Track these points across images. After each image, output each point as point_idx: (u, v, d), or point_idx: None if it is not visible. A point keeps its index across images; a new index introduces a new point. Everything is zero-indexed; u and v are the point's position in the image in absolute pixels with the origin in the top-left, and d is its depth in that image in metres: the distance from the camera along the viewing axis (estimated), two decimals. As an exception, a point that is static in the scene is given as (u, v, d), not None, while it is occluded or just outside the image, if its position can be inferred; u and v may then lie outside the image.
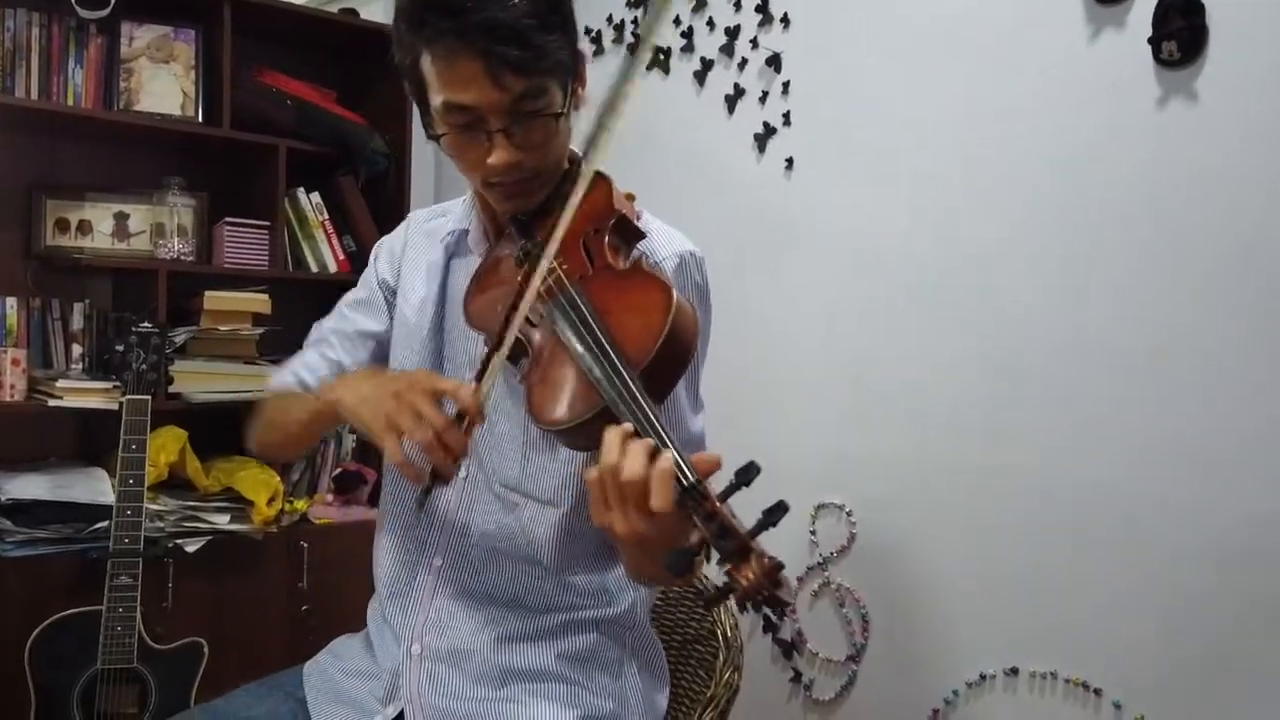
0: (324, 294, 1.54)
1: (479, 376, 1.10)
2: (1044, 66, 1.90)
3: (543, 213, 1.18)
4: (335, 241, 2.88)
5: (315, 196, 2.86)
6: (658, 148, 2.58)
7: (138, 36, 2.68)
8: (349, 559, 2.50)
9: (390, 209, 2.91)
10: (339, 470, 2.80)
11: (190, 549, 2.44)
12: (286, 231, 2.81)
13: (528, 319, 1.07)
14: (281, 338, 2.75)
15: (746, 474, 0.84)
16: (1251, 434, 1.65)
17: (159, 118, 2.66)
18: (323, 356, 1.43)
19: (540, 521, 1.25)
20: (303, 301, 2.84)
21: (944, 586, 2.05)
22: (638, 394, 0.92)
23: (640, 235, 1.17)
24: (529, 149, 1.15)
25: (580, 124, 1.15)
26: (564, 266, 1.07)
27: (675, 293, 1.01)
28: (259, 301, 2.72)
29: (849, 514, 2.22)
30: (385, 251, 1.46)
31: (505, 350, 1.07)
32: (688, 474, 0.86)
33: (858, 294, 2.19)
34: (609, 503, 0.91)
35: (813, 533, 2.27)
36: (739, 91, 2.43)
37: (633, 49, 1.00)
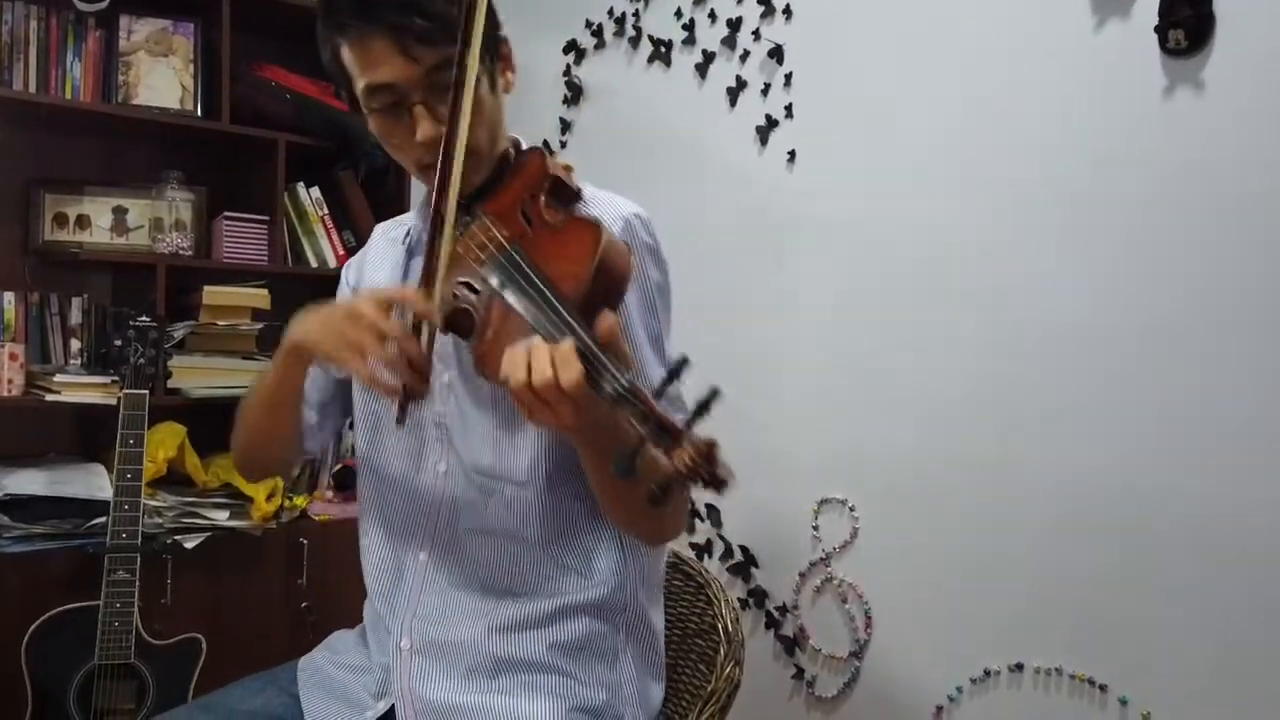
0: (324, 288, 1.54)
1: (425, 283, 1.11)
2: (1048, 56, 1.89)
3: (484, 192, 1.20)
4: (335, 236, 2.88)
5: (315, 191, 2.86)
6: (659, 141, 2.58)
7: (136, 30, 2.68)
8: (349, 556, 2.37)
9: (390, 203, 2.90)
10: (339, 466, 2.78)
11: (189, 545, 2.43)
12: (286, 226, 2.80)
13: (472, 288, 1.08)
14: (281, 333, 2.72)
15: (677, 368, 0.88)
16: (1262, 427, 1.64)
17: (157, 111, 2.65)
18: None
19: (519, 502, 1.25)
20: (302, 296, 2.72)
21: (948, 582, 2.03)
22: (574, 323, 0.95)
23: (576, 194, 1.19)
24: None
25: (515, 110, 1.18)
26: (504, 233, 1.09)
27: (604, 228, 1.04)
28: (258, 296, 2.71)
29: (852, 509, 2.20)
30: (352, 270, 1.49)
31: (445, 257, 1.10)
32: (618, 377, 0.88)
33: (860, 287, 2.18)
34: (533, 405, 0.94)
35: (815, 528, 2.26)
36: (741, 84, 2.42)
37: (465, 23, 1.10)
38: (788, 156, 2.33)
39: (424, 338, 1.11)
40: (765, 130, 2.37)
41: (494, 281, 1.06)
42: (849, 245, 2.21)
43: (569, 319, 0.96)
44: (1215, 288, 1.69)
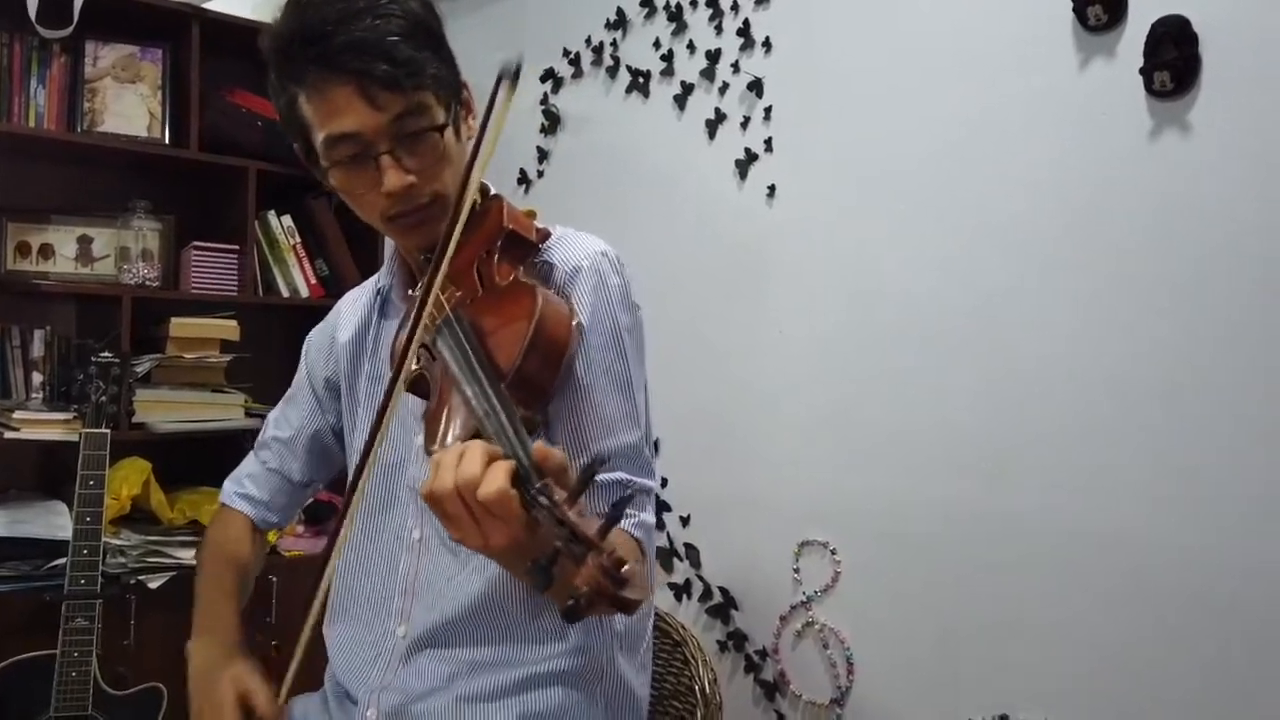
0: (295, 319, 1.54)
1: (351, 488, 1.09)
2: (1033, 96, 1.87)
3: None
4: (307, 265, 2.84)
5: (286, 219, 2.82)
6: (635, 173, 2.56)
7: (102, 56, 2.63)
8: None
9: (364, 232, 2.82)
10: (310, 500, 2.71)
11: (153, 585, 2.37)
12: (256, 255, 2.76)
13: (429, 352, 1.06)
14: (251, 365, 2.70)
15: (587, 472, 0.80)
16: (1256, 472, 1.62)
17: (124, 139, 2.62)
18: (264, 466, 1.48)
19: (497, 571, 1.22)
20: (273, 327, 2.82)
21: (931, 628, 2.00)
22: (498, 405, 0.90)
23: (533, 248, 1.16)
24: (420, 170, 1.13)
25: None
26: (456, 294, 1.07)
27: (541, 295, 1.01)
28: (227, 328, 2.66)
29: (833, 551, 2.17)
30: (314, 345, 1.48)
31: (385, 434, 1.06)
32: (531, 480, 0.82)
33: (843, 326, 2.16)
34: (447, 514, 0.87)
35: (796, 570, 2.23)
36: (720, 116, 2.40)
37: (513, 78, 1.02)
38: (767, 191, 2.31)
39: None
40: (745, 164, 2.35)
41: (439, 346, 1.04)
42: (831, 283, 2.19)
43: (496, 402, 0.91)
44: (1203, 332, 1.68)
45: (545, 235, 1.21)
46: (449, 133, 1.15)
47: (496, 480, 0.83)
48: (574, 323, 1.04)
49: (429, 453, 0.96)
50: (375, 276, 1.43)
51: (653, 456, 1.24)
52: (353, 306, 1.43)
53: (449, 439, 0.96)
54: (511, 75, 1.00)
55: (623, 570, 0.75)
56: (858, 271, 2.14)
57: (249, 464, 1.52)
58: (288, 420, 1.49)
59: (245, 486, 1.49)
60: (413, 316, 1.05)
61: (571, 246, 1.21)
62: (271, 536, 2.49)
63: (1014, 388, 1.90)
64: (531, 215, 1.19)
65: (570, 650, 1.24)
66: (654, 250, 2.42)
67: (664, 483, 2.45)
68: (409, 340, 1.04)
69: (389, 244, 2.81)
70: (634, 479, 1.15)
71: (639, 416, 1.22)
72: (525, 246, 1.15)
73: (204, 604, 1.37)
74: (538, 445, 0.86)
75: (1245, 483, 1.63)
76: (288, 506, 1.51)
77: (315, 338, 1.48)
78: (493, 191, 1.24)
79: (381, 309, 1.35)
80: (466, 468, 0.84)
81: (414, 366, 1.07)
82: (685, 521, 2.42)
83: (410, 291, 1.21)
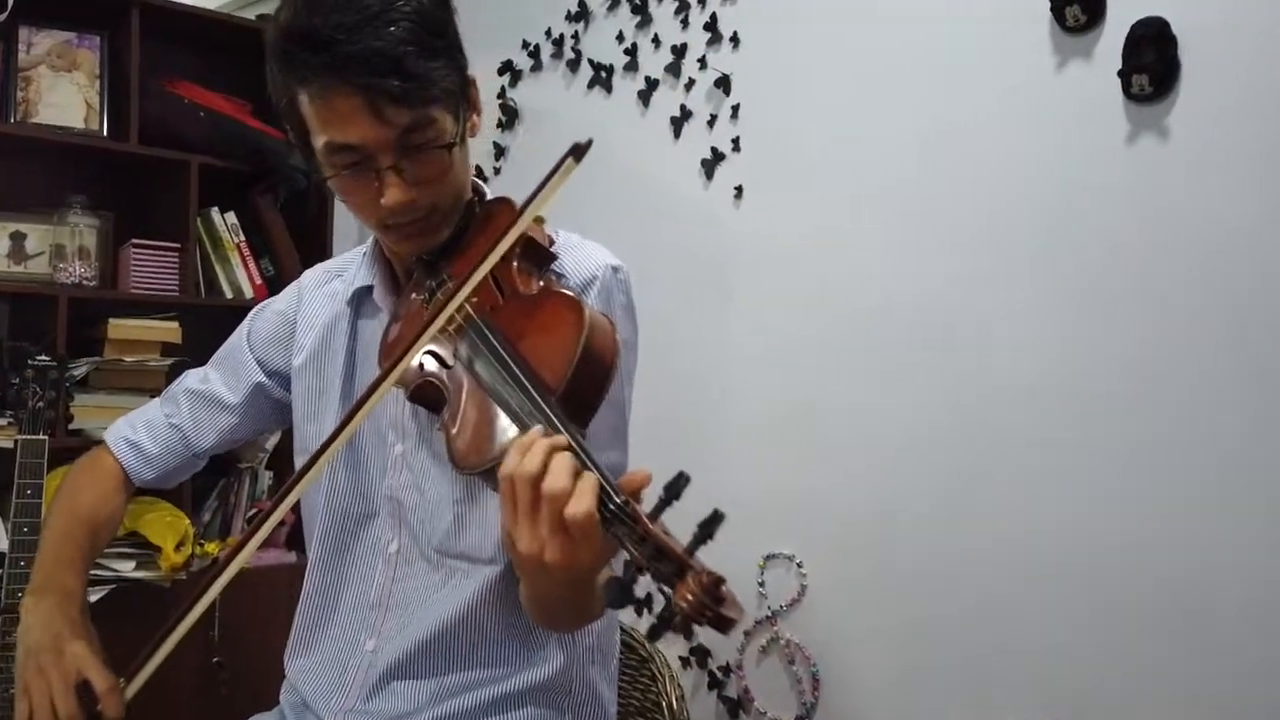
0: (239, 321, 1.46)
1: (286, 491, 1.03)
2: (1007, 96, 1.86)
3: (450, 250, 1.15)
4: (252, 265, 2.78)
5: (230, 216, 2.76)
6: (597, 172, 2.37)
7: (36, 43, 2.54)
8: (265, 607, 2.33)
9: (312, 229, 2.82)
10: (254, 510, 2.67)
11: (93, 599, 2.23)
12: (199, 254, 2.71)
13: (442, 362, 1.04)
14: (192, 369, 2.61)
15: (675, 487, 0.79)
16: (1231, 480, 1.62)
17: (59, 131, 2.53)
18: (167, 420, 1.39)
19: (480, 582, 1.19)
20: (216, 329, 2.62)
21: (900, 643, 1.99)
22: (556, 419, 0.88)
23: (551, 256, 1.14)
24: (423, 184, 1.10)
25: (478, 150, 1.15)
26: (473, 301, 1.04)
27: (587, 308, 0.97)
28: (168, 330, 2.60)
29: (799, 565, 2.15)
30: (264, 326, 1.39)
31: (341, 439, 1.02)
32: (614, 494, 0.81)
33: (811, 330, 2.14)
34: (519, 509, 0.84)
35: (760, 584, 2.20)
36: (685, 114, 2.37)
37: (579, 153, 1.02)
38: (735, 192, 2.28)
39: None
40: (711, 164, 2.32)
41: (465, 357, 1.01)
42: (799, 286, 2.16)
43: (551, 415, 0.89)
44: (1178, 343, 1.68)
45: (552, 242, 1.18)
46: (457, 145, 1.12)
47: (585, 501, 0.81)
48: (619, 336, 1.00)
49: (466, 467, 0.94)
50: (339, 264, 1.38)
51: None
52: (317, 295, 1.37)
53: (490, 448, 0.94)
54: (575, 152, 1.00)
55: (722, 589, 0.75)
56: (827, 276, 2.12)
57: (149, 410, 1.42)
58: (210, 379, 1.40)
59: (137, 433, 1.39)
60: (426, 320, 1.02)
61: (581, 256, 1.20)
62: (212, 548, 2.44)
63: (985, 396, 1.89)
64: (541, 222, 1.15)
65: (544, 667, 1.22)
66: (615, 252, 2.21)
67: (625, 502, 2.41)
68: (411, 342, 1.01)
69: (343, 240, 2.75)
70: None
71: (626, 437, 1.22)
72: (542, 254, 1.13)
73: (49, 558, 1.28)
74: (626, 475, 0.85)
75: (1220, 492, 1.63)
76: (173, 471, 1.40)
77: (266, 319, 1.39)
78: (489, 194, 1.21)
79: (358, 308, 1.30)
80: (555, 479, 0.82)
81: (418, 372, 1.04)
82: (646, 533, 2.39)
83: (413, 295, 1.17)
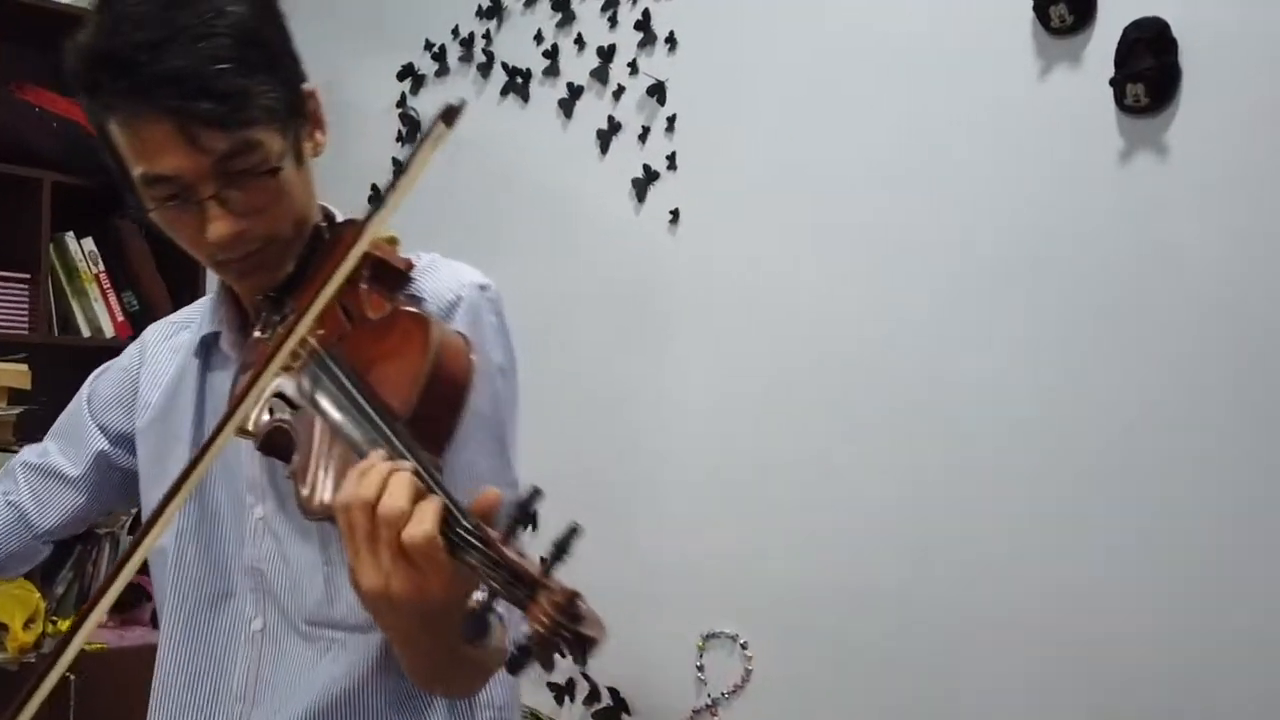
0: (98, 364, 1.40)
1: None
2: (983, 109, 1.82)
3: (295, 281, 1.12)
4: (113, 298, 2.68)
5: (88, 243, 2.67)
6: (512, 191, 2.45)
7: None
8: (127, 691, 2.37)
9: (181, 259, 2.58)
10: (41, 558, 2.55)
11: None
12: (51, 285, 2.62)
13: (291, 403, 1.02)
14: (44, 419, 2.46)
15: (528, 504, 0.80)
16: (1221, 533, 1.58)
17: (-115, 143, 2.45)
18: (4, 499, 1.34)
19: (357, 654, 1.15)
20: (72, 372, 2.62)
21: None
22: (400, 444, 0.89)
23: (403, 274, 1.12)
24: (252, 214, 1.07)
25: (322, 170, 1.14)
26: (319, 333, 1.03)
27: (434, 324, 0.99)
28: (16, 374, 2.49)
29: (744, 645, 2.08)
30: (105, 389, 1.35)
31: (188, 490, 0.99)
32: (462, 517, 0.81)
33: (759, 376, 2.07)
34: (357, 539, 0.84)
35: (699, 668, 2.12)
36: (614, 126, 2.30)
37: (448, 120, 0.95)
38: (670, 216, 2.20)
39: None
40: (643, 183, 2.25)
41: (310, 394, 1.00)
42: (745, 326, 2.10)
43: (395, 440, 0.89)
44: (1181, 393, 1.62)
45: (410, 265, 1.14)
46: (287, 168, 1.08)
47: (424, 523, 0.81)
48: (472, 355, 1.01)
49: (311, 512, 0.93)
50: (185, 315, 1.36)
51: None
52: (162, 349, 1.33)
53: (333, 490, 0.92)
54: (445, 116, 0.96)
55: (578, 605, 0.76)
56: (777, 314, 2.06)
57: None
58: (49, 452, 1.36)
59: None
60: (263, 361, 1.00)
61: (443, 276, 1.17)
62: (66, 626, 2.30)
63: (959, 456, 1.84)
64: (394, 243, 1.13)
65: None
66: (533, 284, 2.31)
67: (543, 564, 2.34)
68: (249, 384, 1.00)
69: (213, 276, 2.60)
70: None
71: (514, 479, 1.19)
72: (394, 274, 1.10)
73: None
74: (479, 498, 0.86)
75: (1223, 586, 1.59)
76: (13, 557, 1.35)
77: (107, 381, 1.36)
78: (340, 217, 1.19)
79: (206, 359, 1.26)
80: (391, 500, 0.82)
81: (266, 418, 1.03)
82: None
83: (256, 334, 1.15)
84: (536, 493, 0.80)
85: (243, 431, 1.02)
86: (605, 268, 2.30)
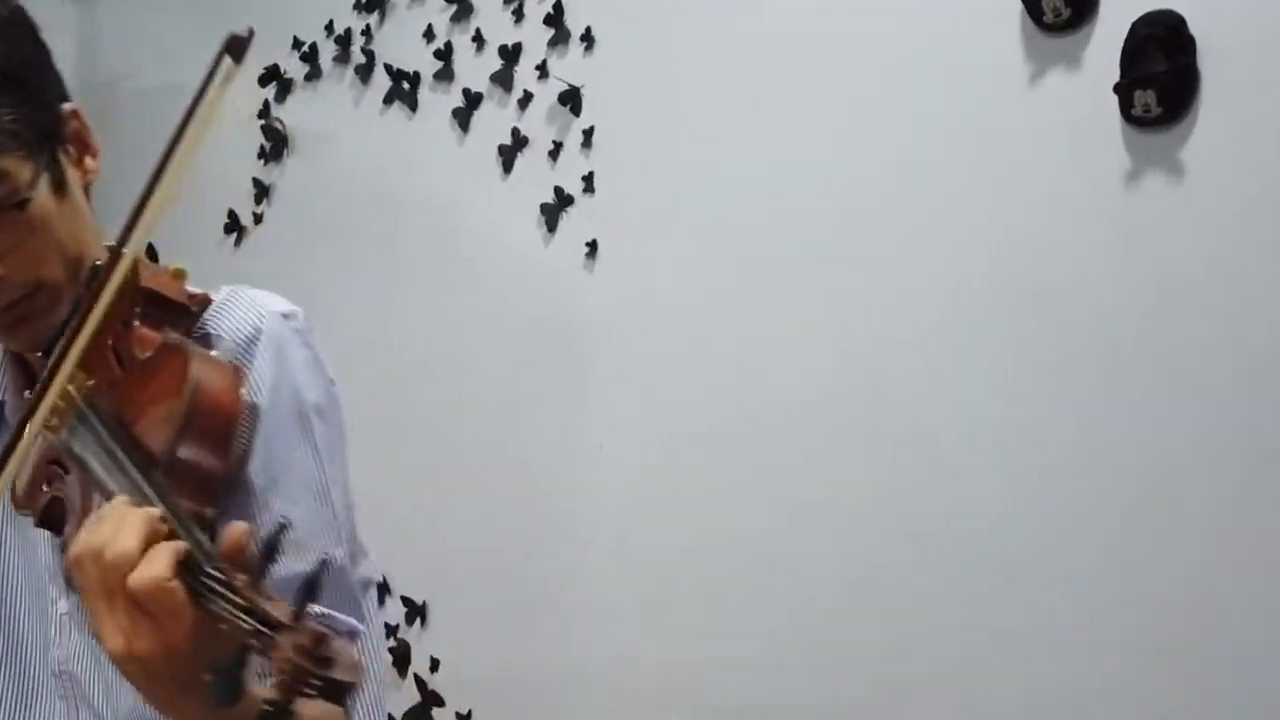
0: None
1: None
2: (965, 119, 1.74)
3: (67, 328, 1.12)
4: None
5: None
6: (398, 218, 2.33)
7: None
8: None
9: None
10: None
11: None
12: None
13: (59, 468, 0.99)
14: None
15: (274, 540, 0.76)
16: (1237, 599, 1.52)
17: None
18: None
19: None
20: None
21: None
22: (150, 489, 0.85)
23: (183, 310, 1.09)
24: (6, 255, 1.02)
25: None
26: (88, 383, 0.99)
27: (192, 352, 0.96)
28: None
29: None
30: None
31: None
32: (204, 560, 0.78)
33: (693, 436, 1.99)
34: (90, 594, 0.81)
35: None
36: (519, 141, 2.19)
37: (236, 55, 0.78)
38: (587, 248, 2.09)
39: None
40: (554, 209, 2.13)
41: (77, 454, 0.97)
42: (675, 376, 2.01)
43: (144, 485, 0.86)
44: (1195, 433, 1.56)
45: (205, 301, 1.11)
46: (40, 198, 1.04)
47: (154, 565, 0.78)
48: (242, 388, 0.98)
49: (71, 586, 0.96)
50: None
51: (369, 593, 1.18)
52: None
53: None
54: (231, 49, 0.89)
55: (325, 646, 0.71)
56: (714, 360, 1.98)
57: None
58: None
59: None
60: (21, 424, 0.99)
61: (241, 310, 1.15)
62: None
63: (943, 523, 1.76)
64: (180, 276, 1.09)
65: None
66: (423, 328, 2.28)
67: (434, 664, 2.23)
68: (7, 451, 0.97)
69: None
70: (334, 615, 1.02)
71: (339, 528, 1.14)
72: (173, 310, 1.08)
73: None
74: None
75: (1238, 649, 1.53)
76: None
77: None
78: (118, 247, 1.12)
79: None
80: (118, 544, 0.80)
81: (45, 489, 0.99)
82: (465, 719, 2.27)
83: (27, 394, 1.13)
84: (284, 527, 0.78)
85: (19, 508, 1.01)
86: (510, 307, 2.21)
